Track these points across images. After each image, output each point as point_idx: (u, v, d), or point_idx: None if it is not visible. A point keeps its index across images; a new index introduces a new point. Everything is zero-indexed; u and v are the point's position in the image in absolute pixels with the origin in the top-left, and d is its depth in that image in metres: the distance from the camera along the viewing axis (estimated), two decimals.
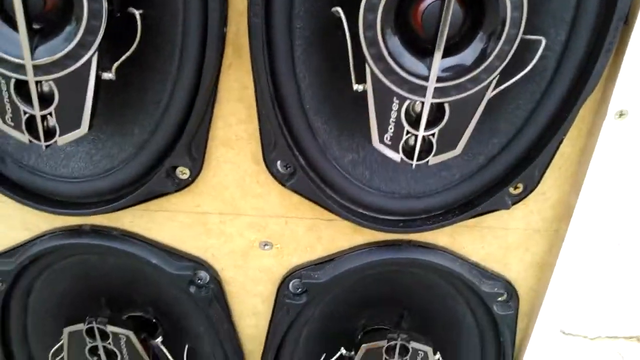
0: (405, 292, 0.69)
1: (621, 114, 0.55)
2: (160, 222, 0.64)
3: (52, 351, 0.70)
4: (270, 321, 0.69)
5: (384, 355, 0.67)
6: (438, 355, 0.69)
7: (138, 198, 0.60)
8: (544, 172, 0.58)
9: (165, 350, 0.70)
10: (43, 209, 0.61)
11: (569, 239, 0.61)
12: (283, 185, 0.59)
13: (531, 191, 0.59)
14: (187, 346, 0.74)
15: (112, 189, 0.60)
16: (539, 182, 0.59)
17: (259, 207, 0.62)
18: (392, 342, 0.66)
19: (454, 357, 0.73)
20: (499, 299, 0.66)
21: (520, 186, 0.59)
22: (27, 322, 0.71)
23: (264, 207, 0.62)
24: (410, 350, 0.66)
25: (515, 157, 0.58)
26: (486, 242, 0.64)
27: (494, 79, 0.50)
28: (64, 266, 0.67)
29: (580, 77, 0.53)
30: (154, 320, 0.74)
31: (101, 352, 0.67)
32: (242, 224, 0.64)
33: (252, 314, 0.70)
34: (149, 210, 0.63)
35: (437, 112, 0.52)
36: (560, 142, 0.57)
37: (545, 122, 0.56)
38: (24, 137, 0.52)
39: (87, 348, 0.67)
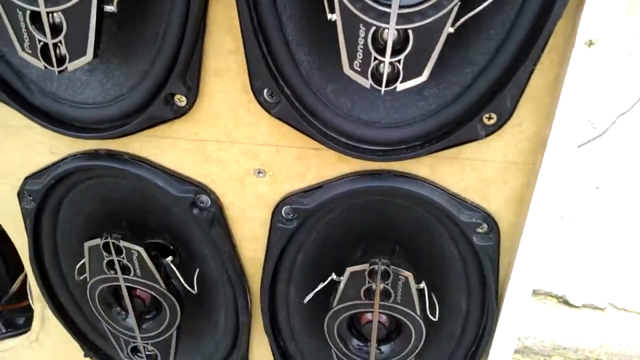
0: (394, 226, 0.73)
1: (590, 43, 0.57)
2: (165, 148, 0.71)
3: (77, 267, 0.79)
4: (267, 245, 0.75)
5: (367, 279, 0.71)
6: (423, 285, 0.74)
7: (142, 124, 0.67)
8: (516, 102, 0.61)
9: (174, 267, 0.77)
10: (66, 133, 0.70)
11: (543, 172, 0.63)
12: (269, 112, 0.64)
13: (505, 122, 0.62)
14: (197, 269, 0.81)
15: (121, 115, 0.68)
16: (512, 113, 0.61)
17: (251, 136, 0.68)
18: (374, 266, 0.70)
19: (441, 290, 0.76)
20: (479, 230, 0.69)
21: (494, 116, 0.62)
22: (57, 240, 0.81)
23: (256, 135, 0.68)
24: (392, 275, 0.70)
25: (488, 86, 0.60)
26: (465, 174, 0.67)
27: (454, 5, 0.53)
28: (85, 188, 0.76)
29: (549, 4, 0.55)
30: (171, 247, 0.82)
31: (117, 265, 0.75)
32: (237, 152, 0.70)
33: (251, 238, 0.77)
34: (155, 137, 0.70)
35: (403, 39, 0.55)
36: (532, 72, 0.59)
37: (516, 51, 0.58)
38: (40, 64, 0.60)
39: (104, 262, 0.76)
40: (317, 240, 0.75)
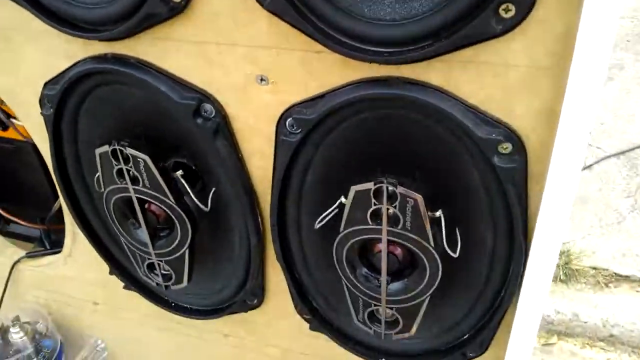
0: (410, 147, 0.66)
1: None
2: (168, 51, 0.68)
3: (95, 177, 0.79)
4: (274, 161, 0.71)
5: (373, 200, 0.65)
6: (439, 213, 0.66)
7: (141, 23, 0.65)
8: None
9: (183, 182, 0.75)
10: (75, 34, 0.69)
11: (573, 80, 0.53)
12: (262, 5, 0.59)
13: (526, 15, 0.52)
14: (213, 189, 0.79)
15: (122, 14, 0.65)
16: (533, 5, 0.51)
17: (250, 36, 0.63)
18: (380, 185, 0.64)
19: (465, 222, 0.68)
20: (501, 149, 0.60)
21: (512, 8, 0.52)
22: (79, 150, 0.82)
23: (255, 36, 0.63)
24: (399, 197, 0.63)
25: None
26: (485, 81, 0.58)
27: None
28: (99, 96, 0.75)
29: None
30: (194, 168, 0.80)
31: (125, 174, 0.75)
32: (237, 56, 0.65)
33: (259, 154, 0.72)
34: (159, 39, 0.67)
35: None
36: None
37: None
38: None
39: (114, 171, 0.75)
40: (325, 159, 0.69)
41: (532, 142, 0.60)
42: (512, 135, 0.60)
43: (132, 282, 0.93)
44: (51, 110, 0.77)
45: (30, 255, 1.06)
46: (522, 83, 0.57)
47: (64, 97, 0.75)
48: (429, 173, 0.66)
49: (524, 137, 0.60)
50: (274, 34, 0.62)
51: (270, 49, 0.64)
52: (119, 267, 0.92)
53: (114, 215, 0.80)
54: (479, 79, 0.58)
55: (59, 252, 1.01)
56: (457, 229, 0.68)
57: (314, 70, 0.63)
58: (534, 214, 0.64)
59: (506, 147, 0.60)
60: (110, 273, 0.93)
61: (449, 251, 0.67)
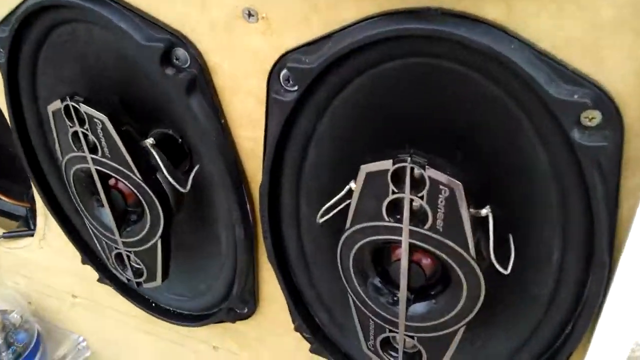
0: (448, 115, 0.46)
1: None
2: None
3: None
4: (265, 131, 0.54)
5: (391, 186, 0.46)
6: (486, 211, 0.46)
7: None
8: None
9: (154, 152, 0.59)
10: None
11: None
12: None
13: None
14: (197, 167, 0.62)
15: None
16: None
17: None
18: (400, 165, 0.45)
19: (520, 225, 0.48)
20: (585, 118, 0.40)
21: None
22: (40, 108, 0.67)
23: None
24: (428, 182, 0.44)
25: None
26: (565, 18, 0.39)
27: None
28: (58, 40, 0.59)
29: None
30: (179, 141, 0.64)
31: (82, 139, 0.59)
32: None
33: (248, 121, 0.55)
34: None
35: None
36: None
37: None
38: None
39: (69, 134, 0.60)
40: (333, 128, 0.51)
41: (632, 111, 0.40)
42: (603, 99, 0.40)
43: (106, 274, 0.77)
44: (4, 57, 0.62)
45: (6, 236, 0.92)
46: (618, 21, 0.37)
47: (17, 40, 0.60)
48: (473, 152, 0.47)
49: (619, 102, 0.40)
50: None
51: None
52: (92, 256, 0.77)
53: (75, 191, 0.65)
54: (558, 13, 0.39)
55: (33, 234, 0.86)
56: (510, 235, 0.49)
57: (319, 2, 0.45)
58: (627, 218, 0.44)
59: (592, 117, 0.40)
60: (83, 262, 0.78)
61: (496, 265, 0.47)
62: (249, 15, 0.49)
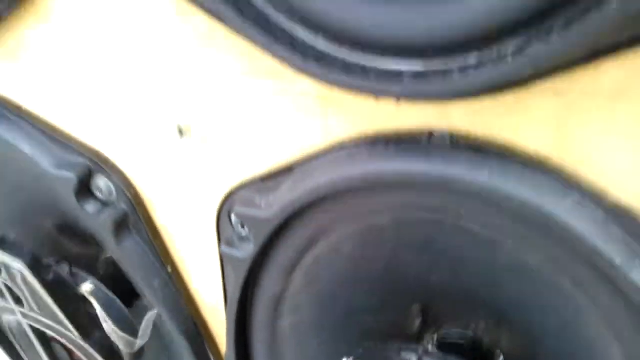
0: (470, 291, 0.29)
1: None
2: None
3: None
4: (223, 290, 0.37)
5: None
6: None
7: None
8: None
9: (95, 302, 0.44)
10: None
11: None
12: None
13: None
14: (152, 312, 0.46)
15: None
16: None
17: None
18: None
19: None
20: None
21: None
22: None
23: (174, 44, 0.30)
24: None
25: None
26: None
27: None
28: None
29: None
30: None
31: (5, 292, 0.45)
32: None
33: (201, 272, 0.39)
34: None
35: None
36: None
37: None
38: None
39: None
40: (316, 296, 0.34)
41: None
42: None
43: None
44: None
45: None
46: None
47: None
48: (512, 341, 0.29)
49: None
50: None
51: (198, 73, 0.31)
52: None
53: (11, 342, 0.51)
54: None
55: None
56: None
57: (274, 116, 0.29)
58: None
59: None
60: None
61: None
62: (180, 132, 0.33)
